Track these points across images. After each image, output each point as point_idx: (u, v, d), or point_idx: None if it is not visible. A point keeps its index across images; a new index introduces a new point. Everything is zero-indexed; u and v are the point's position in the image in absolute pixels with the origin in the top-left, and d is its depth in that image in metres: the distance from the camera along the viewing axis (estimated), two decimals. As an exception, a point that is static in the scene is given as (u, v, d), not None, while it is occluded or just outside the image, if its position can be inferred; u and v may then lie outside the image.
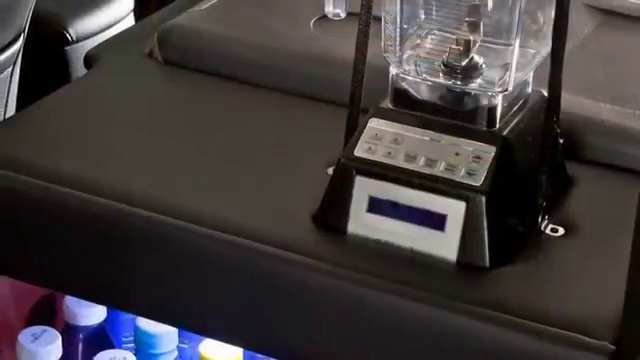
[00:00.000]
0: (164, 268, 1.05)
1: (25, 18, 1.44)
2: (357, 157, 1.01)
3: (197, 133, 1.22)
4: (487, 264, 0.98)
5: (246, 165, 1.15)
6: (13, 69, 1.44)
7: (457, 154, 1.00)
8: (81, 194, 1.07)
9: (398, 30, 1.04)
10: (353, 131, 1.05)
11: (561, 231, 1.04)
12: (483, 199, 0.97)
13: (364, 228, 1.02)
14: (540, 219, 1.04)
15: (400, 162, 1.00)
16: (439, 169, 0.99)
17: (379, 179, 1.00)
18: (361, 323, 0.98)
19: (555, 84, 1.01)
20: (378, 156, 1.01)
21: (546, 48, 1.02)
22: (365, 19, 1.03)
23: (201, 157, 1.17)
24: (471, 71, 1.02)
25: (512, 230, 1.02)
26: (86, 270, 1.10)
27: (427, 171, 0.99)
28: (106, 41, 1.52)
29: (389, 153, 1.01)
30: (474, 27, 0.99)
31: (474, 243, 0.98)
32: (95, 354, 1.20)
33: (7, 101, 1.44)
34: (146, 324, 1.22)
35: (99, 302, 1.19)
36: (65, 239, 1.09)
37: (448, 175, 0.99)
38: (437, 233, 0.99)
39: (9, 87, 1.44)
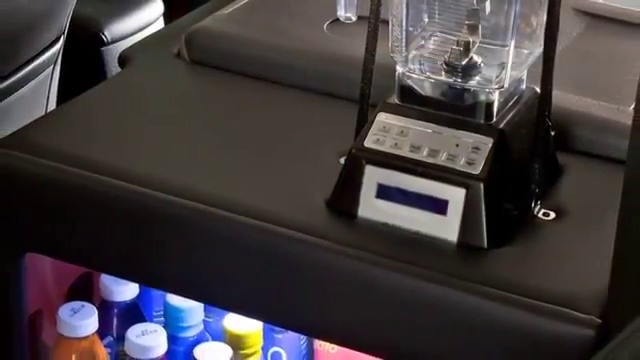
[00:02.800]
0: (191, 249, 1.06)
1: (65, 21, 1.44)
2: (367, 148, 1.02)
3: (220, 126, 1.23)
4: (485, 245, 0.99)
5: (265, 155, 1.16)
6: (54, 68, 1.44)
7: (457, 145, 1.00)
8: (115, 181, 1.07)
9: (404, 32, 1.04)
10: (363, 124, 1.05)
11: (552, 215, 1.05)
12: (481, 186, 0.97)
13: (373, 212, 1.02)
14: (533, 204, 1.05)
15: (406, 152, 1.01)
16: (441, 159, 1.00)
17: (387, 168, 1.01)
18: (369, 299, 0.99)
19: (547, 81, 1.02)
20: (386, 147, 1.02)
21: (539, 49, 1.03)
22: (374, 22, 1.03)
23: (224, 148, 1.18)
24: (470, 69, 1.02)
25: (508, 214, 1.03)
26: (120, 251, 1.10)
27: (430, 160, 1.00)
28: (138, 42, 1.52)
29: (396, 144, 1.02)
30: (473, 29, 1.00)
31: (473, 226, 0.99)
32: (128, 327, 1.20)
33: (48, 97, 1.44)
34: (175, 300, 1.22)
35: (132, 280, 1.20)
36: (101, 223, 1.10)
37: (449, 164, 0.99)
38: (439, 217, 1.00)
39: (50, 84, 1.45)
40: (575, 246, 1.02)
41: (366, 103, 1.07)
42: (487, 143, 1.00)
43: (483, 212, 0.98)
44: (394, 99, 1.06)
